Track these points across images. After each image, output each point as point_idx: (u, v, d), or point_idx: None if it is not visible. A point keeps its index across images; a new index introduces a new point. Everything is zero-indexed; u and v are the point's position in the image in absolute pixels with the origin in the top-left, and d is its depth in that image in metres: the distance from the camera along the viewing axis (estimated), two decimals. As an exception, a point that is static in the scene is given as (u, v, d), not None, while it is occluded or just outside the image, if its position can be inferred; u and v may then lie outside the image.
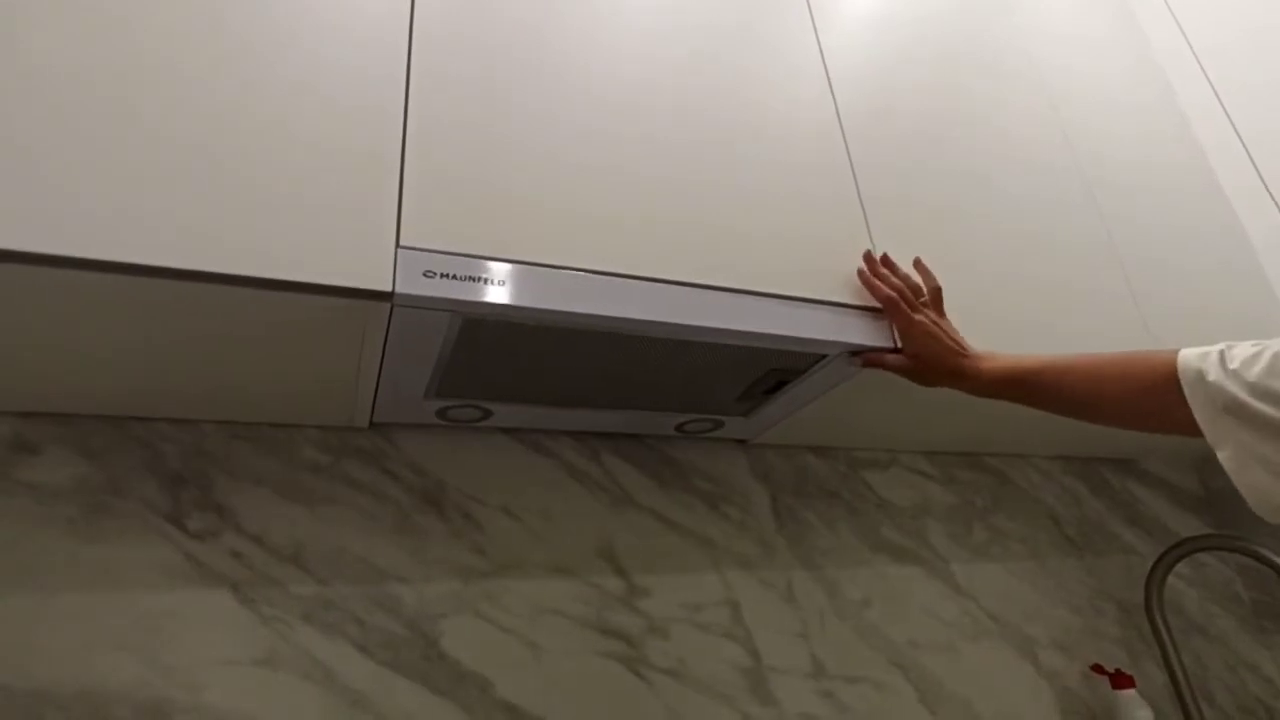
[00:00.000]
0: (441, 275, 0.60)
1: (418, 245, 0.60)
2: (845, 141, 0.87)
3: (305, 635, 0.75)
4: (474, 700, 0.78)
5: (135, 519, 0.73)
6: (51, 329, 0.60)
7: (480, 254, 0.63)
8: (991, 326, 0.83)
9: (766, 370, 0.80)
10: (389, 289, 0.58)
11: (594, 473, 0.94)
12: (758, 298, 0.73)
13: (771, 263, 0.76)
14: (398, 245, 0.60)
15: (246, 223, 0.56)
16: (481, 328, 0.65)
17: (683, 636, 0.90)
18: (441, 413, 0.83)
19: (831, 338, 0.75)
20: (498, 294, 0.61)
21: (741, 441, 1.04)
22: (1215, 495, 1.42)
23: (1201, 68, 1.29)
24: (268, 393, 0.75)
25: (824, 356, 0.78)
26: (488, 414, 0.84)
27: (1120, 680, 1.07)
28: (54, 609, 0.68)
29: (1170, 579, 1.27)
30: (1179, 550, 1.12)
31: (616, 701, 0.84)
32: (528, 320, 0.65)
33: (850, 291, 0.79)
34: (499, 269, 0.62)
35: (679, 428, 0.95)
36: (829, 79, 0.91)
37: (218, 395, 0.74)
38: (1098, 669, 1.12)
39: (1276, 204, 1.16)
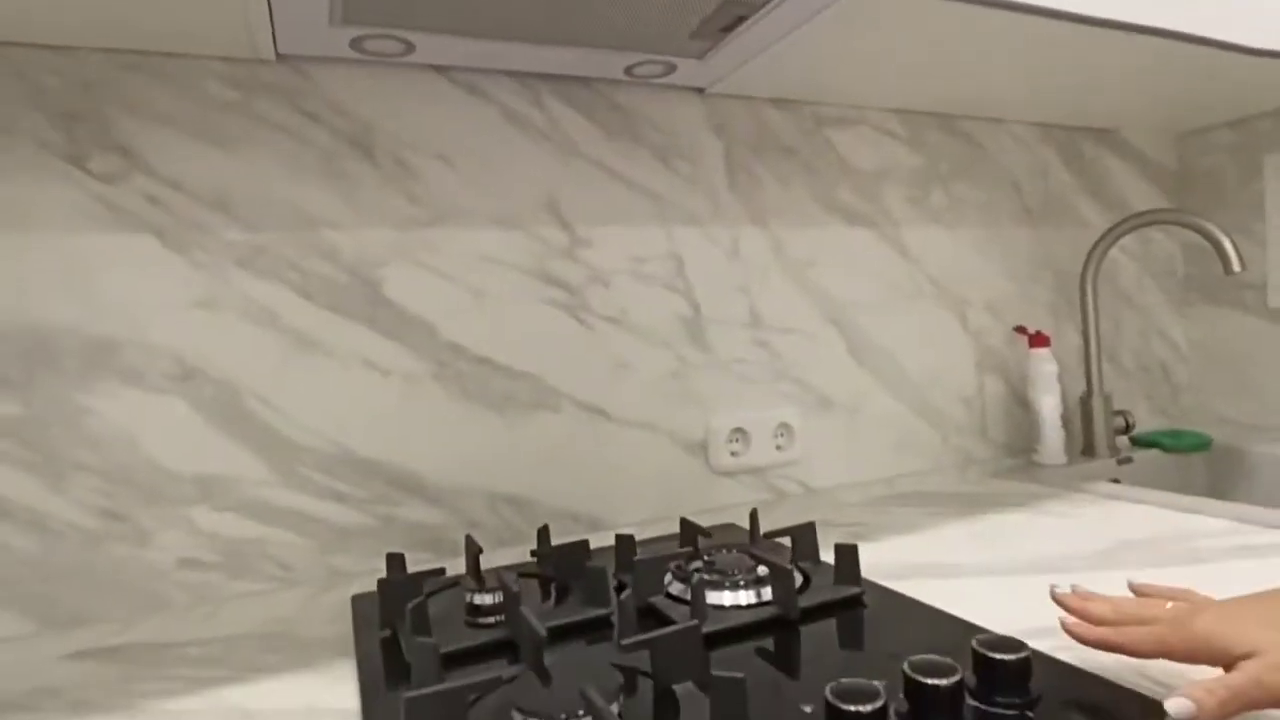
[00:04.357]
0: None
1: None
2: None
3: (243, 280, 0.75)
4: (421, 341, 0.82)
5: (30, 157, 0.68)
6: None
7: None
8: None
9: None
10: None
11: (536, 119, 0.87)
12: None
13: None
14: None
15: None
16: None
17: (624, 287, 0.92)
18: (356, 44, 0.73)
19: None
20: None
21: (699, 90, 0.96)
22: (1189, 172, 1.39)
23: None
24: (149, 8, 0.64)
25: (789, -15, 0.67)
26: (410, 47, 0.75)
27: (1037, 340, 1.16)
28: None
29: (1114, 252, 1.30)
30: (1128, 224, 1.13)
31: (559, 343, 0.88)
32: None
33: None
34: None
35: (629, 70, 0.86)
36: None
37: (93, 12, 0.64)
38: (1020, 330, 1.19)
39: None
